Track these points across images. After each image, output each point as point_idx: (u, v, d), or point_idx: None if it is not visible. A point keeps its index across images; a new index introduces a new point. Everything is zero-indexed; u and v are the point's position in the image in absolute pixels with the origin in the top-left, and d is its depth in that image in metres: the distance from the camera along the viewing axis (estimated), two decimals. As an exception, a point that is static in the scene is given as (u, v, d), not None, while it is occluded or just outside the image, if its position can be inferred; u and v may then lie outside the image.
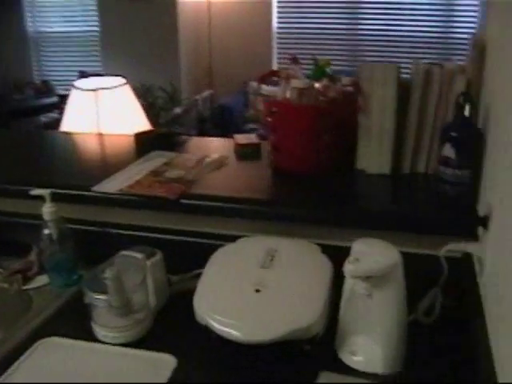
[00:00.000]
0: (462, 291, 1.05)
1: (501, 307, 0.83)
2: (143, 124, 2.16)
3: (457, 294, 1.07)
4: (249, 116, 4.89)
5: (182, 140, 1.69)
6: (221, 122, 4.53)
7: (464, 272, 1.07)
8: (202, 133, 4.51)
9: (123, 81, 2.20)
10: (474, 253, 1.00)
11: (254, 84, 4.85)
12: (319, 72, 1.31)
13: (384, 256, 0.92)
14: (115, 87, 2.13)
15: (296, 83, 1.29)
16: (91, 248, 1.26)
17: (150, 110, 4.24)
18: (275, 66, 5.10)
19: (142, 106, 3.43)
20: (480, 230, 1.03)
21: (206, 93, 5.06)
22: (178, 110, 4.57)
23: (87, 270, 1.22)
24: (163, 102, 4.54)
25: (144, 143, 1.61)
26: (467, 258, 1.07)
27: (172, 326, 1.11)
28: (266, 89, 5.09)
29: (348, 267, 0.90)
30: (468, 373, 0.92)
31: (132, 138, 1.65)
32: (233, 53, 5.19)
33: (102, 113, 2.06)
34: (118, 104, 2.12)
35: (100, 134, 1.90)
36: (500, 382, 0.76)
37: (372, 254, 0.92)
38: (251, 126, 4.75)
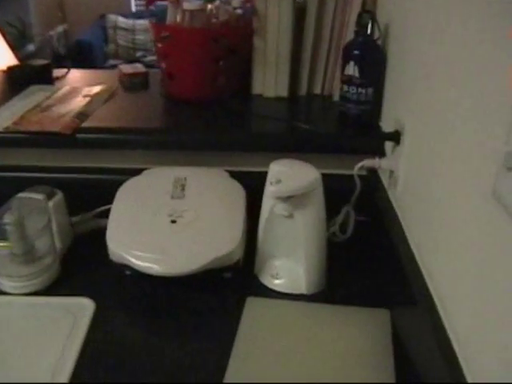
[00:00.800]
0: (372, 206, 1.09)
1: (419, 212, 0.88)
2: (8, 58, 1.97)
3: (368, 210, 1.10)
4: (109, 51, 4.66)
5: (60, 73, 1.57)
6: (80, 59, 4.27)
7: (373, 188, 1.10)
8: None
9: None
10: (387, 168, 1.03)
11: (113, 17, 4.61)
12: (211, -7, 1.26)
13: (305, 175, 0.92)
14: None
15: (187, 5, 1.22)
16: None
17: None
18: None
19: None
20: (388, 145, 1.06)
21: (60, 28, 4.73)
22: (31, 48, 4.23)
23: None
24: (13, 39, 4.18)
25: (19, 78, 1.48)
26: (373, 174, 1.11)
27: (81, 268, 1.05)
28: (124, 21, 4.86)
29: (270, 188, 0.89)
30: (386, 280, 0.98)
31: (3, 74, 1.50)
32: (85, -17, 4.86)
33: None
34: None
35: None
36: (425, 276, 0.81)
37: (293, 174, 0.91)
38: (112, 61, 4.54)
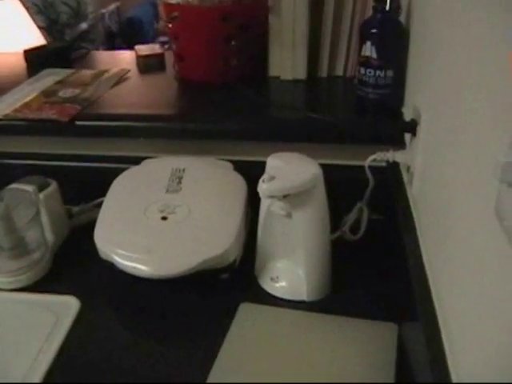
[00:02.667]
0: (389, 203, 0.97)
1: (433, 221, 0.76)
2: (38, 41, 1.94)
3: (384, 207, 0.99)
4: (160, 28, 4.62)
5: (79, 55, 1.51)
6: (131, 36, 4.25)
7: (391, 183, 0.99)
8: (112, 48, 4.22)
9: (8, -6, 1.96)
10: (402, 162, 0.91)
11: (164, -7, 4.55)
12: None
13: (302, 171, 0.81)
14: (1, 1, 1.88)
15: (197, -18, 1.13)
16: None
17: (54, 27, 3.92)
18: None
19: (44, 23, 3.14)
20: (407, 136, 0.94)
21: (113, 5, 4.71)
22: (84, 26, 4.24)
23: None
24: (68, 18, 4.20)
25: (36, 60, 1.43)
26: (393, 167, 0.99)
27: (74, 263, 0.99)
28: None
29: (262, 186, 0.79)
30: (398, 289, 0.87)
31: (22, 56, 1.46)
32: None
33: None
34: (5, 19, 1.89)
35: (-15, 53, 1.68)
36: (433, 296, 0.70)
37: (289, 170, 0.81)
38: (163, 38, 4.49)
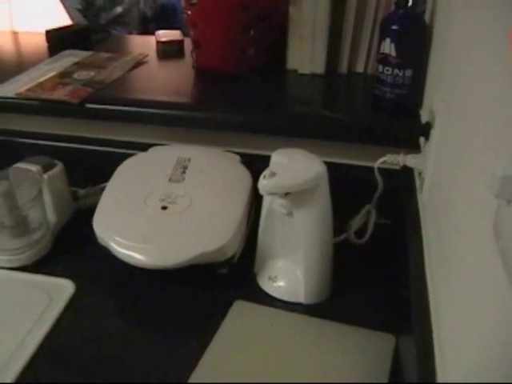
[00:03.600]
0: (398, 209, 0.94)
1: (437, 227, 0.73)
2: (65, 23, 1.94)
3: (393, 212, 0.96)
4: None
5: (101, 37, 1.50)
6: (164, 22, 4.24)
7: (402, 187, 0.95)
8: (146, 33, 4.22)
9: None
10: (414, 166, 0.88)
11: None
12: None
13: (305, 169, 0.78)
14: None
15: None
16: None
17: (89, 9, 3.94)
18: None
19: (81, 5, 3.15)
20: (422, 140, 0.90)
21: (148, -10, 4.71)
22: (119, 10, 4.25)
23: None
24: (104, 1, 4.21)
25: (57, 41, 1.42)
26: (407, 171, 0.95)
27: (75, 246, 0.98)
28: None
29: (262, 183, 0.76)
30: (400, 298, 0.83)
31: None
32: None
33: (16, 9, 1.83)
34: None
35: (13, 32, 1.68)
36: (431, 310, 0.67)
37: (292, 167, 0.78)
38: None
